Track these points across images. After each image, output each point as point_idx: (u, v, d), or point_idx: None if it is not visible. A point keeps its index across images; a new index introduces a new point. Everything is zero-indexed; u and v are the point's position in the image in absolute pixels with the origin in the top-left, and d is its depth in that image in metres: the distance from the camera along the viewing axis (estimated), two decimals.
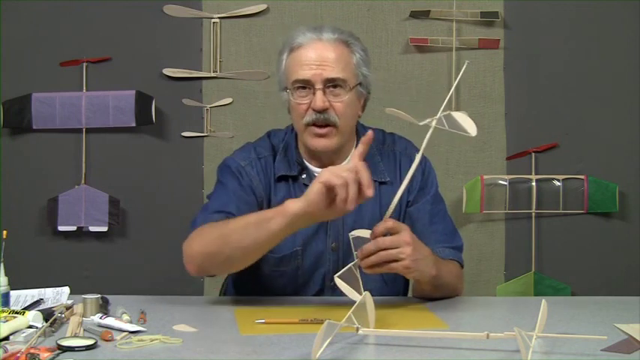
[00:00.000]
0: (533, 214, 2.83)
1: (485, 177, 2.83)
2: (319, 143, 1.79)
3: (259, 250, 1.66)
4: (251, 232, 1.61)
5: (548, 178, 2.84)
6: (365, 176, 1.51)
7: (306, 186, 1.83)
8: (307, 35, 1.79)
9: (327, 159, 1.85)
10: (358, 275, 1.56)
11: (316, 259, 1.84)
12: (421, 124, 1.63)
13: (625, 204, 2.85)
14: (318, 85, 1.75)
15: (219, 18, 2.81)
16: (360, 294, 1.53)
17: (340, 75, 1.76)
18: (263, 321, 1.52)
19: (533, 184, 2.82)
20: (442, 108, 1.59)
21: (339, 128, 1.78)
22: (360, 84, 1.81)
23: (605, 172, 2.84)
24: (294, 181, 1.85)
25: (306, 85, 1.77)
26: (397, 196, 1.60)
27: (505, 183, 2.83)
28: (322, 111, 1.75)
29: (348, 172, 1.51)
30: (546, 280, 2.82)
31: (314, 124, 1.77)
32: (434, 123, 1.59)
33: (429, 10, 2.81)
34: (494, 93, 2.85)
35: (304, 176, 1.85)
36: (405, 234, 1.60)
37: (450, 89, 2.81)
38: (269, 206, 1.82)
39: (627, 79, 2.83)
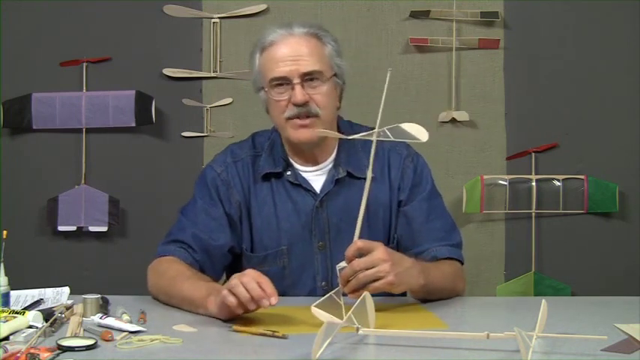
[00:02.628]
0: (533, 214, 2.83)
1: (485, 177, 2.83)
2: (302, 135, 1.78)
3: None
4: (185, 306, 1.66)
5: (548, 178, 2.84)
6: (268, 287, 1.50)
7: (290, 183, 1.84)
8: (278, 32, 1.79)
9: (310, 153, 1.85)
10: (341, 302, 1.52)
11: (303, 259, 1.84)
12: (350, 138, 1.65)
13: (625, 204, 2.85)
14: (296, 80, 1.76)
15: (219, 18, 2.81)
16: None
17: (316, 67, 1.77)
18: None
19: (533, 184, 2.82)
20: (378, 122, 1.57)
21: (321, 118, 1.78)
22: (335, 75, 1.81)
23: (605, 172, 2.83)
24: (278, 178, 1.85)
25: (283, 81, 1.77)
26: (361, 214, 1.56)
27: (505, 183, 2.83)
28: (303, 104, 1.76)
29: (248, 281, 1.49)
30: (546, 280, 2.82)
31: (296, 117, 1.77)
32: (374, 137, 1.55)
33: (429, 10, 2.81)
34: (494, 93, 2.85)
35: (289, 173, 1.85)
36: (379, 252, 1.57)
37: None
38: (248, 208, 1.85)
39: (627, 79, 2.83)
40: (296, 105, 1.76)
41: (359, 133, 1.84)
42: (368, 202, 1.83)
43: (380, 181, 1.86)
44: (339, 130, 1.86)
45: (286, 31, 1.79)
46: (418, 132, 1.57)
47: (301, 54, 1.77)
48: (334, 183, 1.84)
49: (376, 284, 1.56)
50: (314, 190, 1.84)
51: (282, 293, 1.83)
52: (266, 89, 1.80)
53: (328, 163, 1.86)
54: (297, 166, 1.86)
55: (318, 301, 1.52)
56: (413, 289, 1.68)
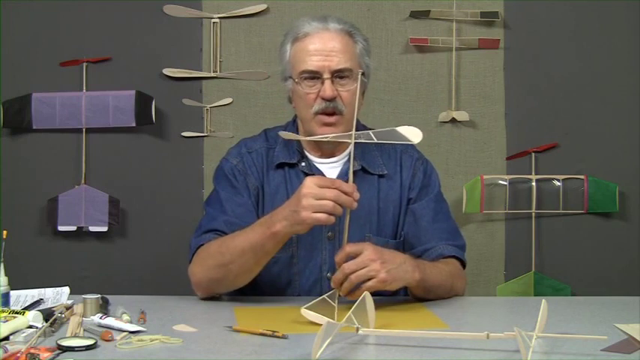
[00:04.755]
0: (533, 214, 2.83)
1: (485, 177, 2.83)
2: (326, 132, 1.80)
3: (262, 266, 1.73)
4: (249, 257, 1.69)
5: (548, 178, 2.84)
6: (347, 187, 1.58)
7: (304, 173, 1.87)
8: (313, 25, 1.83)
9: (327, 149, 1.89)
10: (335, 305, 1.54)
11: (311, 248, 1.86)
12: (326, 139, 1.71)
13: (625, 204, 2.84)
14: (327, 75, 1.79)
15: (219, 18, 2.81)
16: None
17: (347, 65, 1.80)
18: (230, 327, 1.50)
19: (533, 184, 2.82)
20: (354, 124, 1.63)
21: (344, 116, 1.81)
22: (363, 73, 1.82)
23: (605, 172, 2.83)
24: (291, 167, 1.89)
25: (314, 75, 1.80)
26: (347, 222, 1.61)
27: (505, 183, 2.83)
28: (331, 100, 1.78)
29: (329, 192, 1.57)
30: (546, 280, 2.82)
31: (323, 112, 1.80)
32: (352, 139, 1.60)
33: (429, 10, 2.81)
34: (494, 93, 2.84)
35: (303, 164, 1.88)
36: (368, 252, 1.60)
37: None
38: (263, 194, 1.88)
39: (627, 79, 2.82)
40: (324, 99, 1.79)
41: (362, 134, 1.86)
42: (379, 200, 1.86)
43: (393, 179, 1.90)
44: (357, 129, 1.88)
45: (322, 25, 1.83)
46: (412, 134, 1.59)
47: (334, 50, 1.80)
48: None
49: (369, 283, 1.58)
50: None
51: (288, 281, 1.86)
52: (296, 80, 1.82)
53: (344, 157, 1.89)
54: (312, 158, 1.90)
55: (309, 303, 1.53)
56: (409, 284, 1.69)
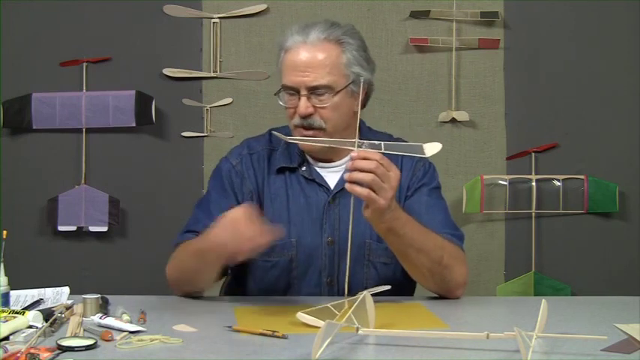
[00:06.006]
0: (533, 214, 2.83)
1: (485, 177, 2.83)
2: (304, 146, 1.84)
3: (209, 274, 1.74)
4: (194, 261, 1.71)
5: (548, 178, 2.84)
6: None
7: (305, 178, 1.87)
8: (295, 37, 1.81)
9: (322, 156, 1.88)
10: (339, 314, 1.51)
11: (311, 253, 1.85)
12: (328, 144, 1.69)
13: (625, 204, 2.85)
14: (303, 92, 1.78)
15: (219, 18, 2.81)
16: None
17: (323, 81, 1.78)
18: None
19: (533, 184, 2.82)
20: (357, 132, 1.62)
21: (326, 131, 1.80)
22: (353, 82, 1.81)
23: (605, 172, 2.83)
24: (292, 172, 1.89)
25: (292, 90, 1.80)
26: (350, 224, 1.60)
27: (505, 183, 2.83)
28: (306, 116, 1.78)
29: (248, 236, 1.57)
30: (546, 280, 2.82)
31: (301, 127, 1.80)
32: (355, 146, 1.57)
33: (429, 10, 2.81)
34: (494, 93, 2.84)
35: (304, 168, 1.88)
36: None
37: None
38: (260, 198, 1.88)
39: (627, 79, 2.83)
40: (300, 116, 1.79)
41: (374, 139, 1.78)
42: None
43: None
44: (361, 135, 1.86)
45: (302, 38, 1.79)
46: (432, 149, 1.59)
47: (311, 65, 1.77)
48: None
49: (358, 189, 1.57)
50: (327, 185, 1.86)
51: (287, 285, 1.85)
52: (281, 92, 1.84)
53: (345, 162, 1.87)
54: (312, 162, 1.89)
55: (308, 310, 1.52)
56: (381, 223, 1.66)
